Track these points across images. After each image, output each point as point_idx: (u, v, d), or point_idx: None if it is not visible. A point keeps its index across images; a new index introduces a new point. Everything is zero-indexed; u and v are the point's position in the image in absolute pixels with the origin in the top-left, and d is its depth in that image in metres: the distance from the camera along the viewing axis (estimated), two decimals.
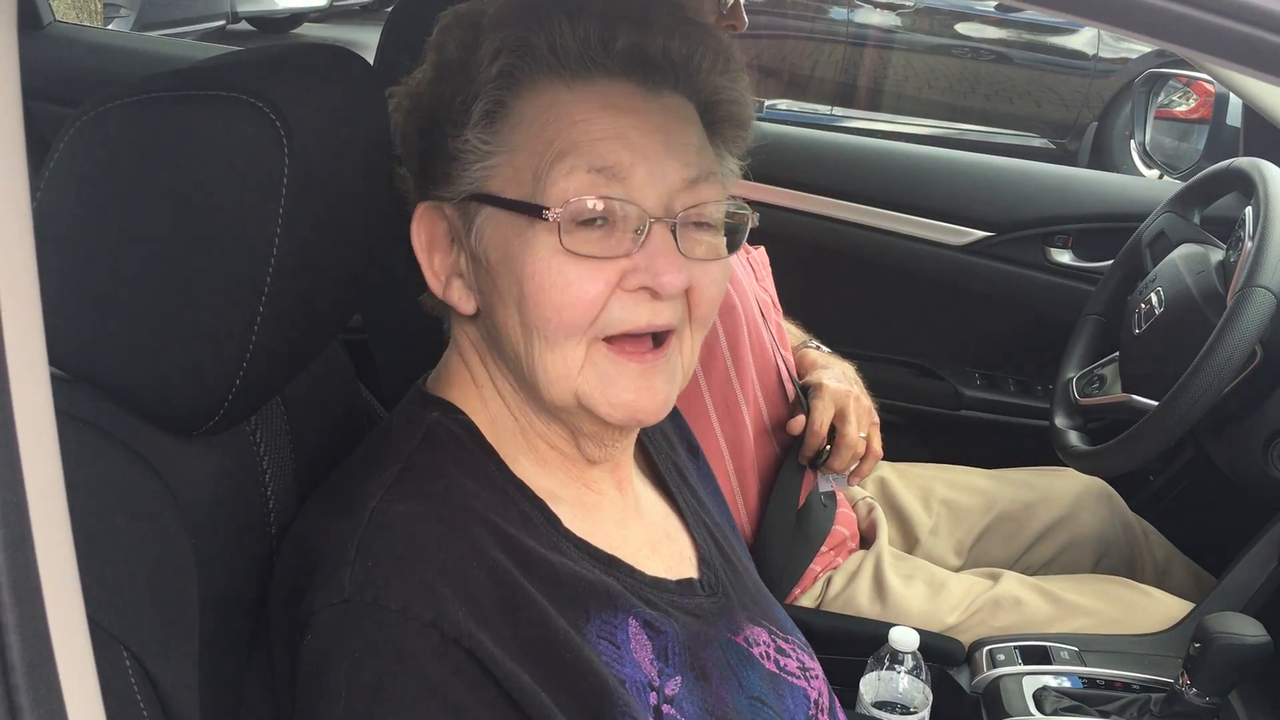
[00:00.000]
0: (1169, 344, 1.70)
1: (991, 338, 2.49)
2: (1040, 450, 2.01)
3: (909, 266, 2.45)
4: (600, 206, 0.88)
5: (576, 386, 0.91)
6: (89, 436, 0.80)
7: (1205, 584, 1.92)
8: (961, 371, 2.47)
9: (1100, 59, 6.57)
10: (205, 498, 0.87)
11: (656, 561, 1.02)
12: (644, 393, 0.92)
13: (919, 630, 1.45)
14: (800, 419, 1.67)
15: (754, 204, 1.00)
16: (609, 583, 0.94)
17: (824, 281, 2.37)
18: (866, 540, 1.84)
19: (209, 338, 0.82)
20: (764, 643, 1.06)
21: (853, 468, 1.70)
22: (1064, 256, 2.42)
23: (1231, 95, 2.22)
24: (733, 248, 0.97)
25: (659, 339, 0.93)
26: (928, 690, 1.43)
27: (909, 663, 1.44)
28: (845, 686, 1.43)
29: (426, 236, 0.96)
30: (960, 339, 2.50)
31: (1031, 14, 6.37)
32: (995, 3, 6.78)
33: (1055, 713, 1.50)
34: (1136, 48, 6.40)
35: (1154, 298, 1.79)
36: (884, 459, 2.04)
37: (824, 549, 1.75)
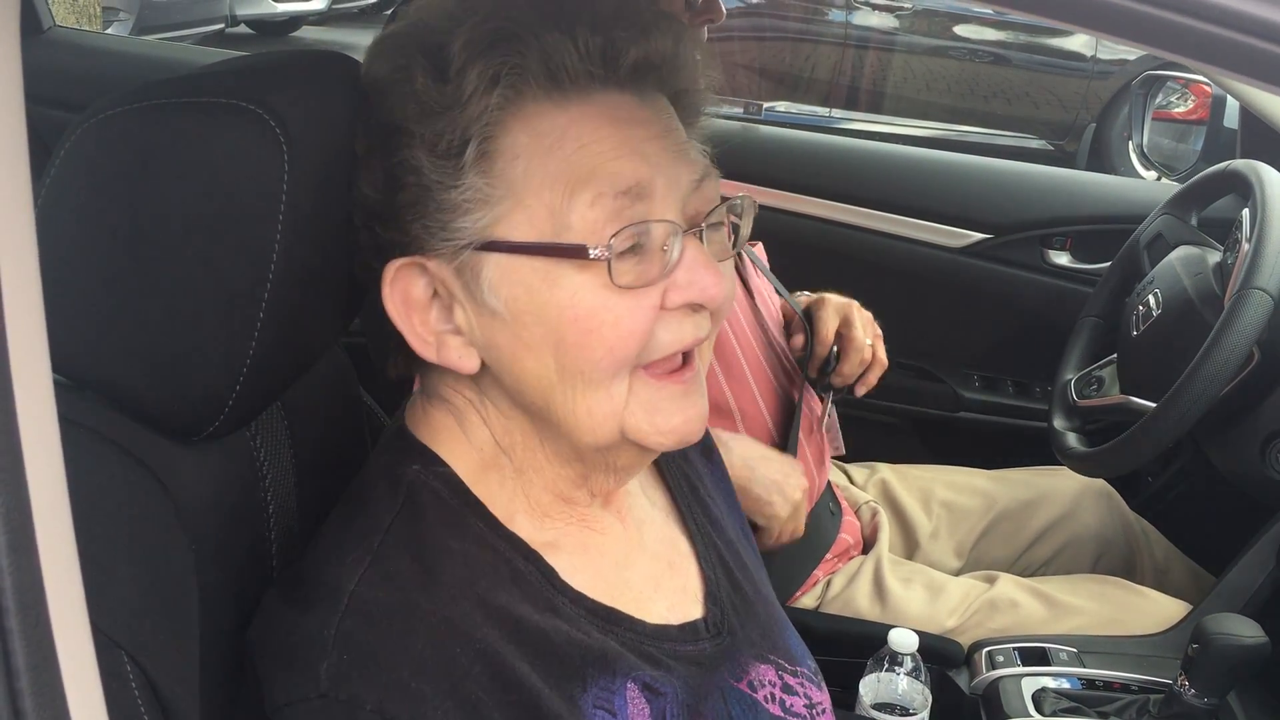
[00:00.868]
0: (1167, 346, 1.71)
1: (990, 340, 2.49)
2: (1039, 452, 2.01)
3: (907, 269, 2.45)
4: (643, 235, 0.82)
5: (623, 421, 0.86)
6: (89, 442, 0.80)
7: (1204, 583, 1.92)
8: (960, 373, 2.47)
9: (1098, 60, 6.58)
10: (205, 503, 0.87)
11: (659, 601, 0.98)
12: (690, 411, 0.88)
13: (918, 632, 1.45)
14: (800, 336, 1.66)
15: None
16: (608, 644, 0.89)
17: (822, 284, 2.36)
18: (868, 545, 1.84)
19: (210, 344, 0.82)
20: (769, 683, 1.01)
21: (859, 375, 1.68)
22: (1062, 258, 2.42)
23: (1229, 97, 2.23)
24: (738, 243, 0.94)
25: (686, 354, 0.89)
26: (927, 692, 1.44)
27: (908, 664, 1.44)
28: (844, 688, 1.44)
29: (402, 300, 0.86)
30: (958, 341, 2.50)
31: (1029, 16, 6.37)
32: (992, 6, 6.77)
33: (1054, 714, 1.50)
34: (1134, 49, 6.40)
35: (1152, 300, 1.79)
36: (882, 460, 2.06)
37: (827, 556, 1.75)
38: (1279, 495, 1.63)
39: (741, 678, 0.99)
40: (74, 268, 0.78)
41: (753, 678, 1.00)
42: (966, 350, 2.50)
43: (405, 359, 0.92)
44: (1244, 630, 1.35)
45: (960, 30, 6.82)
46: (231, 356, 0.82)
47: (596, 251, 0.81)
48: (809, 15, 6.91)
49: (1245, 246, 1.61)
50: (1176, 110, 2.62)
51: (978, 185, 2.49)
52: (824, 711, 1.07)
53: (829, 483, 1.81)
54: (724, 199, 0.91)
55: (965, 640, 1.67)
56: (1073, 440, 1.81)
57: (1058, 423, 1.86)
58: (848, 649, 1.57)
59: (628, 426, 0.86)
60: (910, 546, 1.93)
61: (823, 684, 1.10)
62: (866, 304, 2.50)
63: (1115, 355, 1.88)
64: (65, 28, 3.19)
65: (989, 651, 1.61)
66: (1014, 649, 1.60)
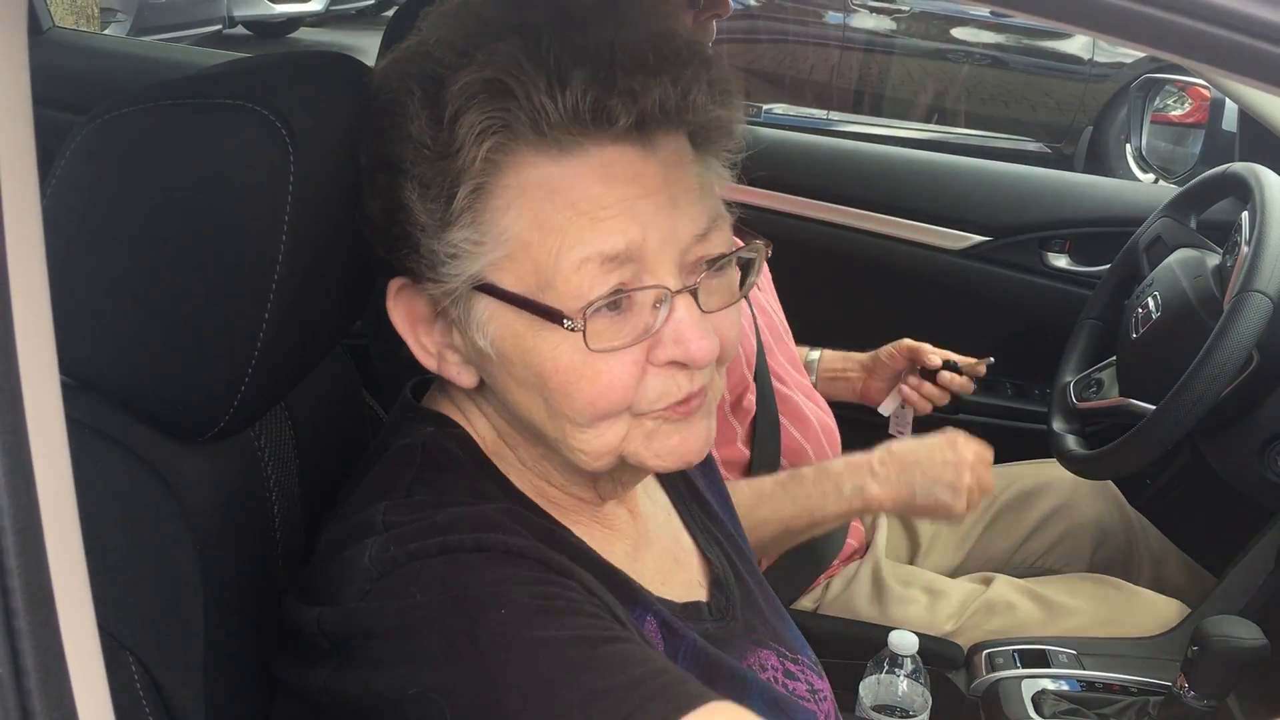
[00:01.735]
0: (1166, 348, 1.71)
1: (989, 342, 2.48)
2: (1037, 454, 2.02)
3: (906, 271, 2.45)
4: (622, 301, 0.82)
5: (621, 451, 0.87)
6: (95, 443, 0.80)
7: (1199, 574, 1.94)
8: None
9: (1095, 63, 6.59)
10: (209, 504, 0.87)
11: (665, 590, 0.99)
12: (690, 435, 0.88)
13: (917, 634, 1.46)
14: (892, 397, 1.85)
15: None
16: (631, 581, 0.92)
17: (820, 286, 2.37)
18: (867, 546, 1.85)
19: (214, 345, 0.82)
20: (772, 667, 1.03)
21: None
22: (1061, 261, 2.42)
23: (1227, 100, 2.23)
24: (745, 286, 0.92)
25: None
26: (927, 694, 1.44)
27: (908, 666, 1.44)
28: (843, 689, 1.44)
29: (405, 313, 0.88)
30: (957, 343, 2.50)
31: (1027, 18, 6.38)
32: (990, 8, 6.78)
33: (1054, 716, 1.50)
34: (1132, 52, 6.42)
35: (1151, 302, 1.79)
36: None
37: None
38: (1277, 497, 1.63)
39: (744, 659, 1.00)
40: (80, 269, 0.78)
41: (753, 661, 1.01)
42: (965, 352, 2.49)
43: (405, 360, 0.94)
44: (1243, 632, 1.35)
45: (957, 33, 6.83)
46: (237, 357, 0.82)
47: (570, 322, 0.80)
48: (806, 18, 6.92)
49: (1244, 249, 1.62)
50: (1174, 113, 2.62)
51: (977, 187, 2.49)
52: (825, 698, 1.08)
53: None
54: (728, 254, 0.88)
55: (963, 642, 1.67)
56: (1072, 442, 1.81)
57: (1057, 425, 1.86)
58: (846, 651, 1.57)
59: (626, 453, 0.87)
60: (913, 547, 1.94)
61: (823, 674, 1.11)
62: (865, 306, 2.52)
63: (1114, 357, 1.88)
64: (65, 28, 3.19)
65: (988, 653, 1.61)
66: (1013, 651, 1.60)
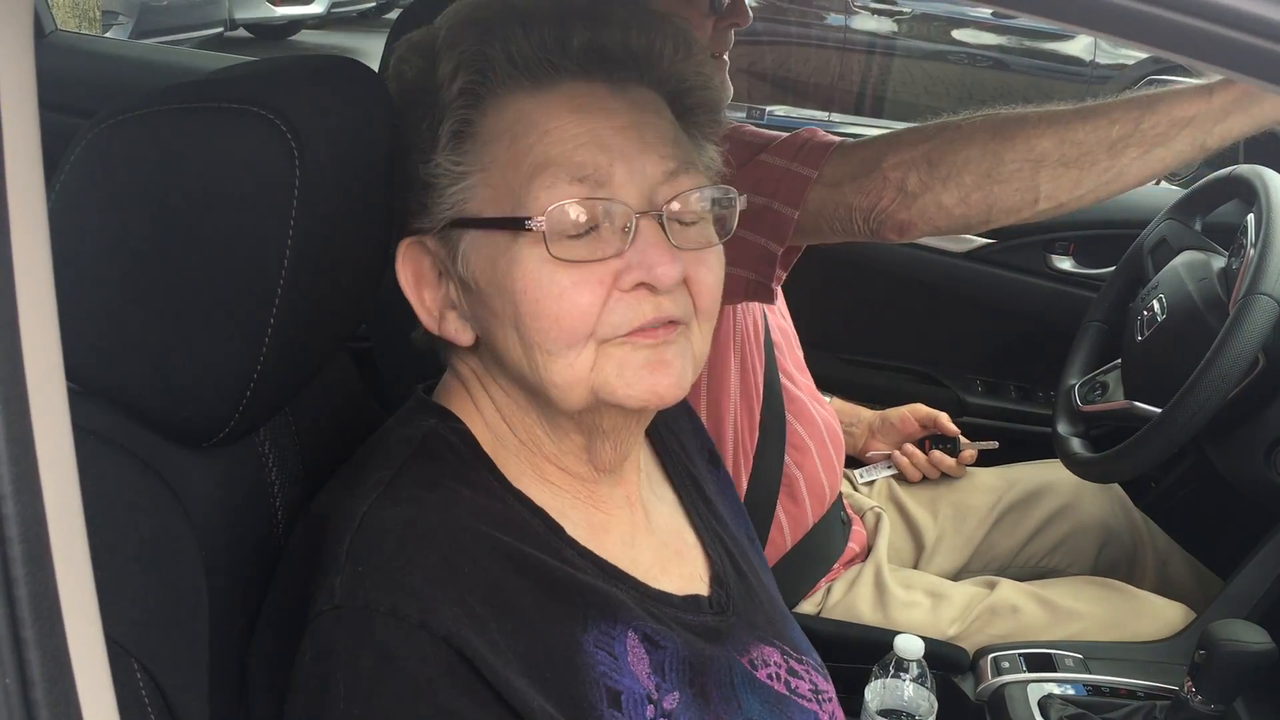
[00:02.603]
0: (1171, 351, 1.70)
1: (993, 345, 2.49)
2: (1041, 457, 2.02)
3: (910, 273, 2.45)
4: (583, 214, 0.86)
5: (591, 383, 0.89)
6: (101, 449, 0.79)
7: (1205, 576, 1.93)
8: (963, 378, 2.47)
9: (1097, 65, 6.60)
10: (214, 509, 0.87)
11: (664, 580, 1.00)
12: (659, 368, 0.89)
13: (922, 638, 1.45)
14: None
15: None
16: (611, 592, 0.92)
17: (825, 288, 2.37)
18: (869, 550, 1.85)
19: (220, 350, 0.82)
20: (774, 664, 1.04)
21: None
22: (1065, 263, 2.42)
23: None
24: (724, 234, 0.95)
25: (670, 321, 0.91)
26: (933, 698, 1.43)
27: (914, 670, 1.44)
28: (848, 694, 1.43)
29: (413, 274, 0.94)
30: (962, 346, 2.50)
31: (1027, 20, 6.38)
32: (991, 9, 6.79)
33: None
34: (1133, 54, 6.42)
35: (1156, 305, 1.79)
36: None
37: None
38: None
39: (743, 654, 1.01)
40: (85, 274, 0.78)
41: (755, 657, 1.02)
42: (969, 355, 2.50)
43: (422, 335, 0.99)
44: (1251, 637, 1.35)
45: (959, 35, 6.84)
46: (242, 362, 0.82)
47: (534, 223, 0.86)
48: (808, 20, 6.92)
49: (1250, 252, 1.61)
50: None
51: None
52: (830, 700, 1.08)
53: (839, 493, 1.81)
54: (702, 190, 0.92)
55: (967, 646, 1.67)
56: (1077, 445, 1.81)
57: (1062, 428, 1.86)
58: (850, 655, 1.56)
59: (595, 385, 0.89)
60: (917, 548, 1.93)
61: (828, 677, 1.11)
62: (870, 308, 2.52)
63: (1119, 360, 1.88)
64: (67, 31, 3.19)
65: (994, 657, 1.61)
66: (1019, 655, 1.60)
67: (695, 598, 1.01)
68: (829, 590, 1.74)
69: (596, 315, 0.87)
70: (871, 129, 6.51)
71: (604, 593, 0.92)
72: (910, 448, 1.99)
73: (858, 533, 1.83)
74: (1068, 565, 1.94)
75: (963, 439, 1.98)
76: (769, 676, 1.02)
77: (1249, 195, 1.75)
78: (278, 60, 0.92)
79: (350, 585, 0.81)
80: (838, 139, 1.37)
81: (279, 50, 9.05)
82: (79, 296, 0.79)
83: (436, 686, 0.79)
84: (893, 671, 1.44)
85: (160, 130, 0.80)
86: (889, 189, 1.28)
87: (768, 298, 1.42)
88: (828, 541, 1.72)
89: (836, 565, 1.76)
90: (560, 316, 0.86)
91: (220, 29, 8.99)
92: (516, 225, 0.87)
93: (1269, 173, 1.74)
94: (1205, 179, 1.97)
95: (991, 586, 1.75)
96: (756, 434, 1.64)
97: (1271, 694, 1.49)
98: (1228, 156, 2.20)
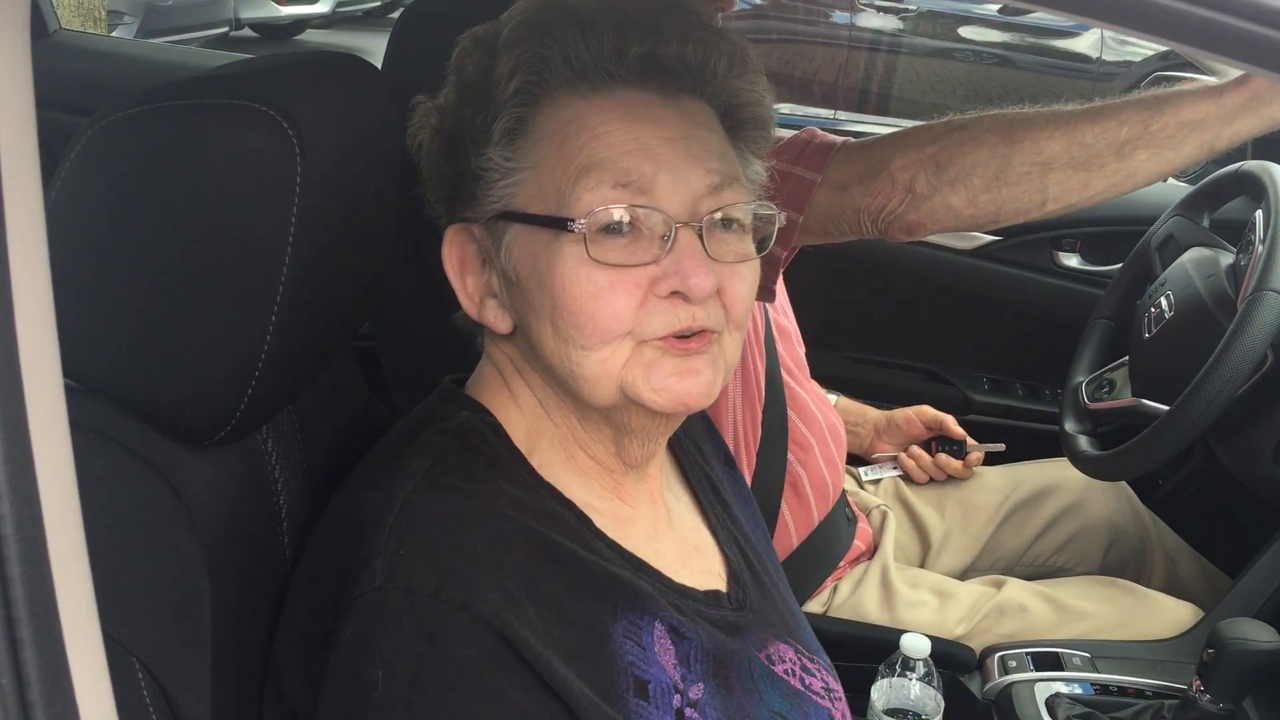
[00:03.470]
0: (1179, 348, 1.69)
1: (999, 342, 2.48)
2: (1048, 454, 2.00)
3: (917, 271, 2.44)
4: (625, 216, 0.88)
5: (620, 380, 0.91)
6: (100, 446, 0.79)
7: (1213, 574, 1.92)
8: (969, 376, 2.46)
9: (1104, 62, 6.58)
10: (217, 507, 0.87)
11: (685, 575, 1.02)
12: (688, 375, 0.91)
13: (929, 637, 1.44)
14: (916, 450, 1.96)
15: None
16: (639, 584, 0.94)
17: (831, 286, 2.36)
18: (875, 548, 1.84)
19: (221, 348, 0.81)
20: (790, 660, 1.06)
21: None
22: (1072, 260, 2.41)
23: None
24: (762, 248, 0.97)
25: (701, 332, 0.93)
26: (939, 697, 1.43)
27: (921, 669, 1.43)
28: (854, 693, 1.43)
29: (458, 259, 0.96)
30: (968, 343, 2.49)
31: (1034, 17, 6.37)
32: (998, 6, 6.78)
33: (1068, 719, 1.49)
34: (1140, 51, 6.40)
35: (1164, 301, 1.78)
36: None
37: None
38: None
39: (762, 649, 1.03)
40: (84, 271, 0.78)
41: (771, 652, 1.04)
42: (976, 352, 2.49)
43: (465, 318, 1.00)
44: (1260, 635, 1.34)
45: (965, 32, 6.82)
46: (244, 359, 0.82)
47: (576, 225, 0.88)
48: (813, 17, 6.91)
49: (1259, 248, 1.60)
50: None
51: None
52: (840, 699, 1.10)
53: (843, 491, 1.80)
54: (744, 205, 0.94)
55: (974, 645, 1.66)
56: (1084, 443, 1.80)
57: (1069, 425, 1.85)
58: (856, 654, 1.56)
59: (624, 383, 0.91)
60: (923, 547, 1.93)
61: (837, 677, 1.13)
62: (875, 306, 2.51)
63: (1127, 358, 1.87)
64: (71, 31, 3.19)
65: (1001, 656, 1.60)
66: (1026, 654, 1.59)
67: (715, 593, 1.03)
68: (835, 589, 1.73)
69: (631, 316, 0.89)
70: (877, 127, 6.52)
71: (632, 584, 0.93)
72: (916, 450, 1.98)
73: (863, 530, 1.83)
74: (1075, 564, 1.93)
75: (969, 441, 1.98)
76: (786, 672, 1.04)
77: (1257, 191, 1.74)
78: (279, 57, 0.92)
79: (392, 567, 0.82)
80: (839, 139, 1.37)
81: (284, 50, 9.04)
82: (79, 293, 0.78)
83: (479, 667, 0.80)
84: (899, 670, 1.44)
85: (161, 127, 0.80)
86: (897, 191, 1.28)
87: (768, 297, 1.42)
88: (834, 539, 1.72)
89: (843, 563, 1.76)
90: (595, 314, 0.89)
91: (225, 29, 9.01)
92: (559, 224, 0.89)
93: (1277, 169, 1.73)
94: (1213, 175, 1.97)
95: (999, 585, 1.74)
96: (759, 432, 1.63)
97: None
98: (1235, 153, 2.19)
